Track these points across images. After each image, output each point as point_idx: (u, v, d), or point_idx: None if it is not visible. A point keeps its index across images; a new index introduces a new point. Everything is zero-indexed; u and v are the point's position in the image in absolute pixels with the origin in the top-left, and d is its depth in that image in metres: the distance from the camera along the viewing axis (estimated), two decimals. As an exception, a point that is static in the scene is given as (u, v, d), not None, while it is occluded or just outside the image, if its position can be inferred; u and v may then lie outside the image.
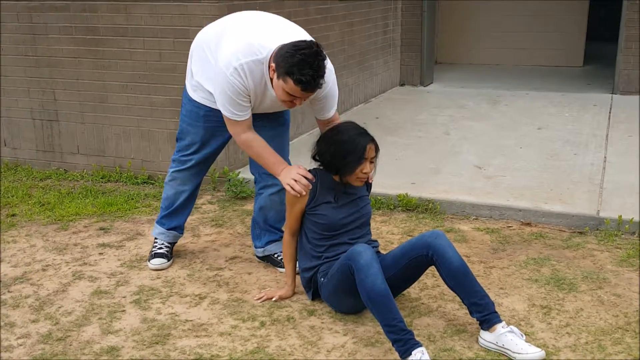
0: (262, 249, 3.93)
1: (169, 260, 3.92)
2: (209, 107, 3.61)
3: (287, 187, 3.27)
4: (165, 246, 3.96)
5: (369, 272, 2.90)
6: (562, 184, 5.00)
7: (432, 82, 9.64)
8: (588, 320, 3.25)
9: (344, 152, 3.17)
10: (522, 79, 9.88)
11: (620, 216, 4.31)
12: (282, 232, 3.75)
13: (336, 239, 3.31)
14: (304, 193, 3.26)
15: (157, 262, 3.88)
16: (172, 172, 3.89)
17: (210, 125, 3.68)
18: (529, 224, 4.47)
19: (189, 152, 3.79)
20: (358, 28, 7.66)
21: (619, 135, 6.43)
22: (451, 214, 4.68)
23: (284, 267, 3.69)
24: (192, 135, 3.74)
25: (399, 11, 9.09)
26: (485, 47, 11.45)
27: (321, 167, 3.34)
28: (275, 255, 3.91)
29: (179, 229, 4.01)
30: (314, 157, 3.33)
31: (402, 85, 9.45)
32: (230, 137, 3.65)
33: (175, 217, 3.96)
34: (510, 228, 4.42)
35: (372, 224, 3.74)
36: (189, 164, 3.82)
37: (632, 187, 4.89)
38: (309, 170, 3.33)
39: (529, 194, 4.77)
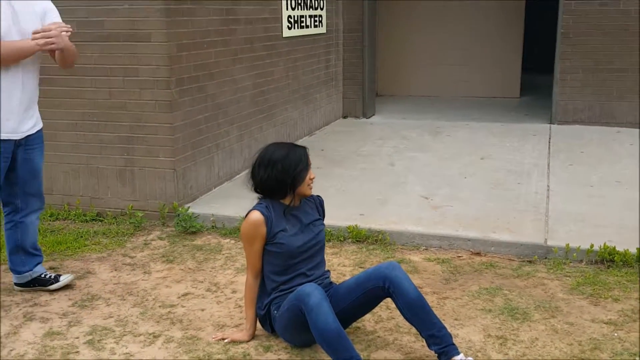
0: (29, 273, 4.05)
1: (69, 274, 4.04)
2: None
3: (43, 43, 3.61)
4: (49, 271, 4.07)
5: (319, 311, 2.91)
6: (508, 213, 5.12)
7: (374, 114, 9.79)
8: (544, 350, 3.30)
9: (293, 165, 3.21)
10: (462, 110, 10.12)
11: (568, 244, 4.42)
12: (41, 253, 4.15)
13: (293, 270, 3.29)
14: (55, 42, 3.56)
15: (65, 277, 4.04)
16: None
17: (6, 157, 3.76)
18: (478, 254, 4.55)
19: None
20: (302, 63, 7.77)
21: (560, 164, 6.64)
22: (401, 245, 4.74)
23: (55, 284, 4.03)
24: None
25: (340, 46, 9.25)
26: (424, 80, 11.70)
27: (265, 197, 3.33)
28: (43, 275, 4.09)
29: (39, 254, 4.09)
30: (256, 190, 3.33)
31: (345, 117, 9.57)
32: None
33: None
34: (461, 258, 4.50)
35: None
36: None
37: (576, 215, 5.04)
38: (258, 205, 3.31)
39: (477, 224, 4.88)
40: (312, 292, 2.97)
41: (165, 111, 5.08)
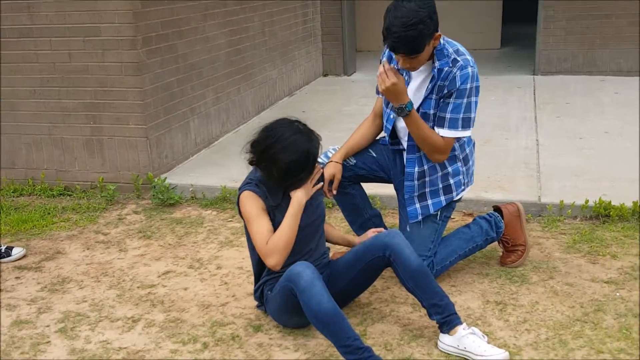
0: None
1: None
2: None
3: None
4: None
5: (312, 292, 2.68)
6: (498, 170, 4.92)
7: (355, 71, 9.49)
8: (545, 314, 3.15)
9: (296, 171, 2.86)
10: (443, 64, 9.83)
11: (562, 201, 4.26)
12: None
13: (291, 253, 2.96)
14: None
15: (18, 251, 3.87)
16: None
17: None
18: (471, 215, 4.35)
19: None
20: (278, 18, 7.41)
21: (547, 117, 6.44)
22: (392, 209, 4.50)
23: (5, 258, 3.90)
24: None
25: (317, -1, 8.89)
26: (404, 33, 11.36)
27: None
28: None
29: None
30: (251, 163, 2.98)
31: (325, 75, 9.26)
32: None
33: None
34: (453, 220, 4.27)
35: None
36: None
37: (568, 170, 4.86)
38: (247, 185, 2.97)
39: (467, 183, 4.66)
40: (303, 271, 2.72)
41: (133, 74, 4.74)
